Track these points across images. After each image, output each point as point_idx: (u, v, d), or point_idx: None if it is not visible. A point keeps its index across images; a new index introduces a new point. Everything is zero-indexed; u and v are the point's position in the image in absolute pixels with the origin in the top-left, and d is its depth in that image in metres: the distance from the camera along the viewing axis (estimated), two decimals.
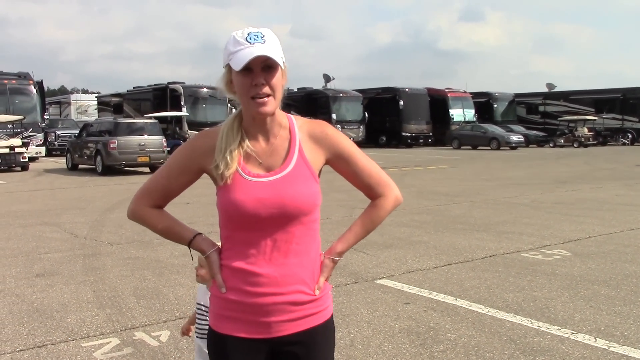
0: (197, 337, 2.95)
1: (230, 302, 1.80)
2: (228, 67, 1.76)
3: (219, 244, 1.88)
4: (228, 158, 1.77)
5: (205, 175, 1.88)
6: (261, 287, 1.76)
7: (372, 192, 1.92)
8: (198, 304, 2.97)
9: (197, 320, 2.96)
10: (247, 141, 1.81)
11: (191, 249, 1.91)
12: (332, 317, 1.91)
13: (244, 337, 1.79)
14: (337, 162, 1.87)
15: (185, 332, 3.23)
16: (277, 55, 1.71)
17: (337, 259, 1.90)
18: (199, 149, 1.84)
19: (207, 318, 2.83)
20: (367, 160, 1.90)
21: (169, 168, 1.89)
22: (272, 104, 1.74)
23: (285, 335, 1.80)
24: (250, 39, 1.71)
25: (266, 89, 1.71)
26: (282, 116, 1.85)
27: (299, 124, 1.86)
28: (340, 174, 1.92)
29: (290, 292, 1.78)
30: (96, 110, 41.58)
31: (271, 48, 1.71)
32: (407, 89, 39.54)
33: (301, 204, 1.76)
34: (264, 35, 1.72)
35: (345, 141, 1.88)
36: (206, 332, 2.84)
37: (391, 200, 1.93)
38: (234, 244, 1.81)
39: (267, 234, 1.77)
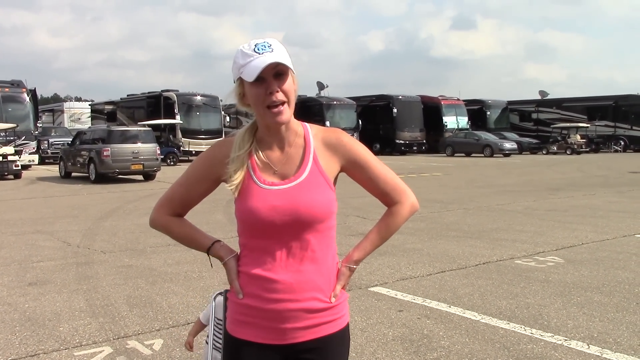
0: (213, 348, 2.88)
1: (247, 307, 1.82)
2: (239, 81, 1.78)
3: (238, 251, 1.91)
4: (231, 170, 1.81)
5: None
6: (277, 294, 1.78)
7: (388, 199, 1.93)
8: (218, 318, 2.90)
9: (216, 332, 2.89)
10: (260, 150, 1.84)
11: (210, 256, 1.93)
12: (347, 325, 1.91)
13: (259, 343, 1.81)
14: (353, 169, 1.89)
15: (190, 346, 3.02)
16: (287, 61, 1.74)
17: (354, 267, 1.91)
18: (216, 157, 1.87)
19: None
20: (382, 167, 1.91)
21: (187, 177, 1.92)
22: (288, 112, 1.77)
23: (299, 342, 1.81)
24: (258, 49, 1.73)
25: (281, 96, 1.74)
26: (296, 124, 1.87)
27: (314, 132, 1.89)
28: (355, 181, 1.93)
29: (306, 299, 1.79)
30: (89, 118, 41.54)
31: (280, 55, 1.73)
32: (400, 97, 39.70)
33: (315, 211, 1.78)
34: (271, 44, 1.75)
35: (360, 148, 1.89)
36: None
37: (407, 207, 1.93)
38: (250, 251, 1.83)
39: (282, 241, 1.79)
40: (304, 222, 1.77)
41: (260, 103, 1.75)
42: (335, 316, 1.85)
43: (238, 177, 1.80)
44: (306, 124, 1.91)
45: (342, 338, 1.88)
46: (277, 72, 1.73)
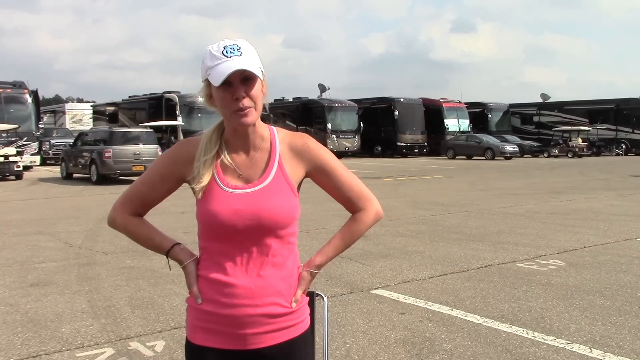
0: None
1: (206, 313, 1.79)
2: (207, 82, 1.76)
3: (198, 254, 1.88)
4: (200, 171, 1.78)
5: None
6: (236, 299, 1.76)
7: (352, 206, 1.91)
8: None
9: None
10: (225, 153, 1.82)
11: (169, 259, 1.91)
12: (309, 329, 1.90)
13: (221, 349, 1.79)
14: (318, 175, 1.87)
15: None
16: (255, 67, 1.72)
17: (315, 271, 1.89)
18: (179, 157, 1.85)
19: None
20: (348, 174, 1.89)
21: (149, 176, 1.89)
22: (254, 115, 1.75)
23: (261, 347, 1.79)
24: (226, 52, 1.71)
25: (247, 102, 1.72)
26: (263, 127, 1.85)
27: (281, 136, 1.87)
28: (321, 187, 1.91)
29: (266, 305, 1.77)
30: (91, 120, 41.58)
31: (248, 60, 1.71)
32: (402, 99, 39.69)
33: (278, 216, 1.76)
34: (240, 47, 1.72)
35: (326, 154, 1.88)
36: None
37: (371, 214, 1.92)
38: (210, 255, 1.81)
39: (243, 246, 1.77)
40: (265, 227, 1.75)
41: (227, 107, 1.73)
42: (296, 320, 1.84)
43: (204, 180, 1.77)
44: (273, 127, 1.89)
45: (304, 342, 1.87)
46: (244, 77, 1.71)
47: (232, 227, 1.74)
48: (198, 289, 1.81)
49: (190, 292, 1.84)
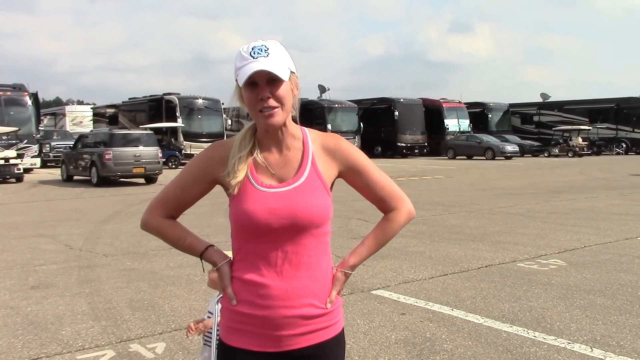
0: (204, 343, 2.95)
1: (241, 314, 1.79)
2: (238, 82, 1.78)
3: (231, 255, 1.88)
4: (235, 167, 1.78)
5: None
6: (272, 300, 1.76)
7: (385, 206, 1.92)
8: (210, 312, 2.96)
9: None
10: (259, 152, 1.82)
11: (202, 261, 1.91)
12: (343, 330, 1.90)
13: (255, 350, 1.79)
14: (350, 175, 1.88)
15: (192, 329, 2.97)
16: (282, 68, 1.72)
17: (350, 272, 1.89)
18: (212, 159, 1.85)
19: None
20: (380, 174, 1.90)
21: (182, 178, 1.90)
22: (281, 115, 1.75)
23: (296, 349, 1.79)
24: (254, 53, 1.72)
25: (272, 102, 1.72)
26: (295, 127, 1.86)
27: (313, 136, 1.88)
28: (353, 187, 1.92)
29: (301, 306, 1.77)
30: (91, 122, 41.59)
31: (274, 61, 1.71)
32: (402, 100, 39.68)
33: (313, 215, 1.76)
34: (268, 49, 1.73)
35: (358, 154, 1.88)
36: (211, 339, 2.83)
37: (404, 213, 1.92)
38: (245, 256, 1.81)
39: (278, 246, 1.77)
40: (301, 226, 1.75)
41: (253, 107, 1.74)
42: (330, 322, 1.84)
43: (240, 175, 1.77)
44: (305, 128, 1.90)
45: (337, 343, 1.87)
46: (270, 78, 1.72)
47: (267, 227, 1.74)
48: (233, 291, 1.81)
49: (225, 294, 1.83)
